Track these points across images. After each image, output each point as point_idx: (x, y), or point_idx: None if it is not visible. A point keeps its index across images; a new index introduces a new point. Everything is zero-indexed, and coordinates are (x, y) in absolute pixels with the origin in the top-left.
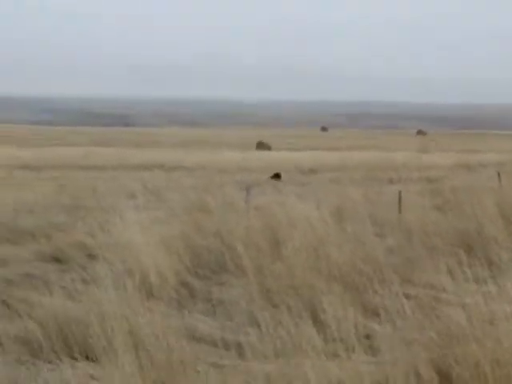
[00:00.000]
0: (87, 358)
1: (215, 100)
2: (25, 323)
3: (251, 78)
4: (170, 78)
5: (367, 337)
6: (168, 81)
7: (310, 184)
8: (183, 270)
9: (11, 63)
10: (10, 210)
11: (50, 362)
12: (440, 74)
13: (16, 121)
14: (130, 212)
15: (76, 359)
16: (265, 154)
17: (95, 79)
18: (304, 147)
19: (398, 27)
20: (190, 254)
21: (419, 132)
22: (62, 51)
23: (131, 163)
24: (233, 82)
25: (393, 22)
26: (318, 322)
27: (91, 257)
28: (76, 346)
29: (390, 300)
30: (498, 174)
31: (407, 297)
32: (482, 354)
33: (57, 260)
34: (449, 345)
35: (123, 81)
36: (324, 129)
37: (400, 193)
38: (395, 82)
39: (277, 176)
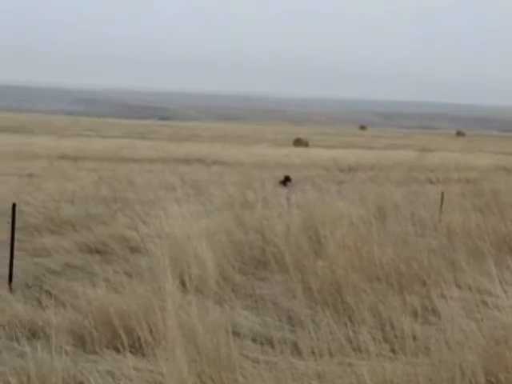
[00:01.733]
0: (131, 350)
1: (252, 95)
2: (69, 314)
3: (290, 75)
4: (205, 71)
5: (414, 338)
6: (203, 74)
7: (349, 182)
8: (225, 264)
9: (46, 53)
10: (51, 200)
11: (93, 353)
12: (483, 75)
13: (49, 111)
14: (171, 205)
15: (120, 351)
16: (303, 150)
17: (129, 71)
18: (342, 145)
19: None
20: (231, 248)
21: (458, 133)
22: (98, 42)
23: (169, 156)
24: (272, 78)
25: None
26: (361, 321)
27: (133, 249)
28: (120, 338)
29: (434, 302)
30: None
31: (450, 299)
32: None
33: (98, 251)
34: (495, 348)
35: (159, 74)
36: (362, 127)
37: (442, 194)
38: (433, 81)
39: (287, 180)
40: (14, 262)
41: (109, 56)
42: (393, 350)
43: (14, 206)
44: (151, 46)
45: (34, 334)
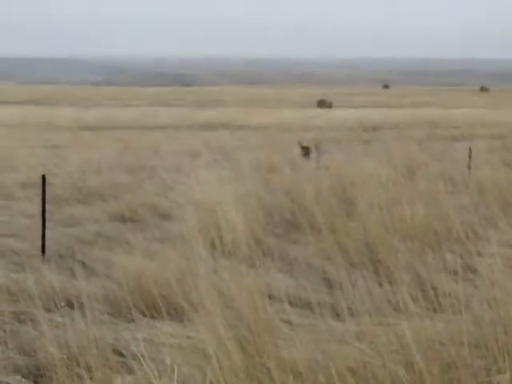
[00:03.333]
0: (168, 316)
1: (275, 58)
2: (103, 282)
3: (313, 37)
4: (229, 35)
5: (453, 296)
6: (227, 38)
7: (375, 142)
8: (257, 227)
9: (71, 25)
10: (78, 170)
11: (129, 321)
12: (502, 27)
13: (74, 82)
14: (199, 170)
15: (155, 318)
16: (326, 112)
17: (151, 39)
18: (366, 105)
19: None
20: (262, 211)
21: (482, 89)
22: (120, 12)
23: (194, 123)
24: (295, 41)
25: None
26: (399, 281)
27: (163, 216)
28: (155, 305)
29: (467, 259)
30: None
31: (484, 255)
32: None
33: (128, 220)
34: None
35: (182, 39)
36: (386, 86)
37: (470, 150)
38: (455, 37)
39: (306, 151)
40: (46, 233)
41: (129, 24)
42: (433, 309)
43: (43, 177)
44: (174, 11)
45: (70, 304)
